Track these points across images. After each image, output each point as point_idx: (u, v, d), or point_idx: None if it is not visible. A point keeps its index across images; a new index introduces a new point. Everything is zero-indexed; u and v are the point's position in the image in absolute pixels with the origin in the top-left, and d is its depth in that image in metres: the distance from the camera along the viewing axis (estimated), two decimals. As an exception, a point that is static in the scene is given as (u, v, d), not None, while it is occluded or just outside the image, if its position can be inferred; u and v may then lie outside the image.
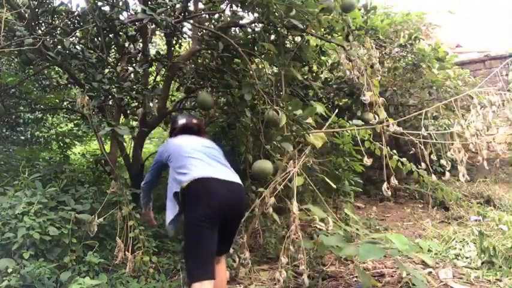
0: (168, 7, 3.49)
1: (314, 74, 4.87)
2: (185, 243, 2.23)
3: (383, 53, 5.55)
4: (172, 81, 4.36)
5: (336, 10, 3.49)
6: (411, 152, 3.57)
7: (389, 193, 3.03)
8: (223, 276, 2.46)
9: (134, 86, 3.45)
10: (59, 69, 4.50)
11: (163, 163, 2.49)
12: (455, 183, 5.82)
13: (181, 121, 2.72)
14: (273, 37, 3.68)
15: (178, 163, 2.30)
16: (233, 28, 4.04)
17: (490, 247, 3.21)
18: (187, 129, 2.64)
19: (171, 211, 2.27)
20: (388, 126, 3.18)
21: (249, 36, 3.84)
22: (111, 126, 2.81)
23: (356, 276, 3.06)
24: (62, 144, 5.35)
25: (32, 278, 2.38)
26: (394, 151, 3.44)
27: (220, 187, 2.20)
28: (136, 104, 4.54)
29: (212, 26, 3.89)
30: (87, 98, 2.90)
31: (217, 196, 2.16)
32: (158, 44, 6.16)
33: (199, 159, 2.31)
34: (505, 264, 3.09)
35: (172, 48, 4.16)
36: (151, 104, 3.63)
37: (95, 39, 3.71)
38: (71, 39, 3.15)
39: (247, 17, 3.77)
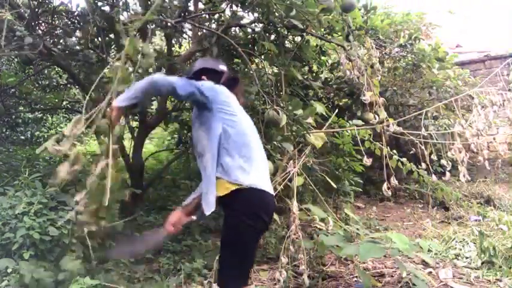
0: (169, 7, 3.48)
1: (314, 74, 4.88)
2: (228, 254, 1.93)
3: (383, 53, 5.55)
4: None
5: (336, 10, 3.49)
6: (411, 152, 3.57)
7: (390, 193, 3.03)
8: None
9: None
10: (59, 69, 4.50)
11: (202, 98, 1.91)
12: (456, 183, 5.82)
13: (223, 67, 2.19)
14: (273, 37, 3.69)
15: (240, 148, 1.93)
16: (233, 28, 4.04)
17: (490, 247, 3.21)
18: (231, 83, 2.14)
19: (212, 200, 1.88)
20: (388, 126, 3.18)
21: (249, 36, 3.84)
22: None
23: (356, 276, 3.06)
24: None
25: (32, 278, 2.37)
26: (394, 151, 3.43)
27: (271, 202, 2.02)
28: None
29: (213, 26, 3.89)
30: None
31: (270, 213, 2.00)
32: (158, 44, 6.15)
33: (259, 150, 2.06)
34: (505, 264, 3.09)
35: (173, 48, 4.17)
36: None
37: (95, 39, 3.71)
38: (71, 39, 3.15)
39: (247, 17, 3.78)
